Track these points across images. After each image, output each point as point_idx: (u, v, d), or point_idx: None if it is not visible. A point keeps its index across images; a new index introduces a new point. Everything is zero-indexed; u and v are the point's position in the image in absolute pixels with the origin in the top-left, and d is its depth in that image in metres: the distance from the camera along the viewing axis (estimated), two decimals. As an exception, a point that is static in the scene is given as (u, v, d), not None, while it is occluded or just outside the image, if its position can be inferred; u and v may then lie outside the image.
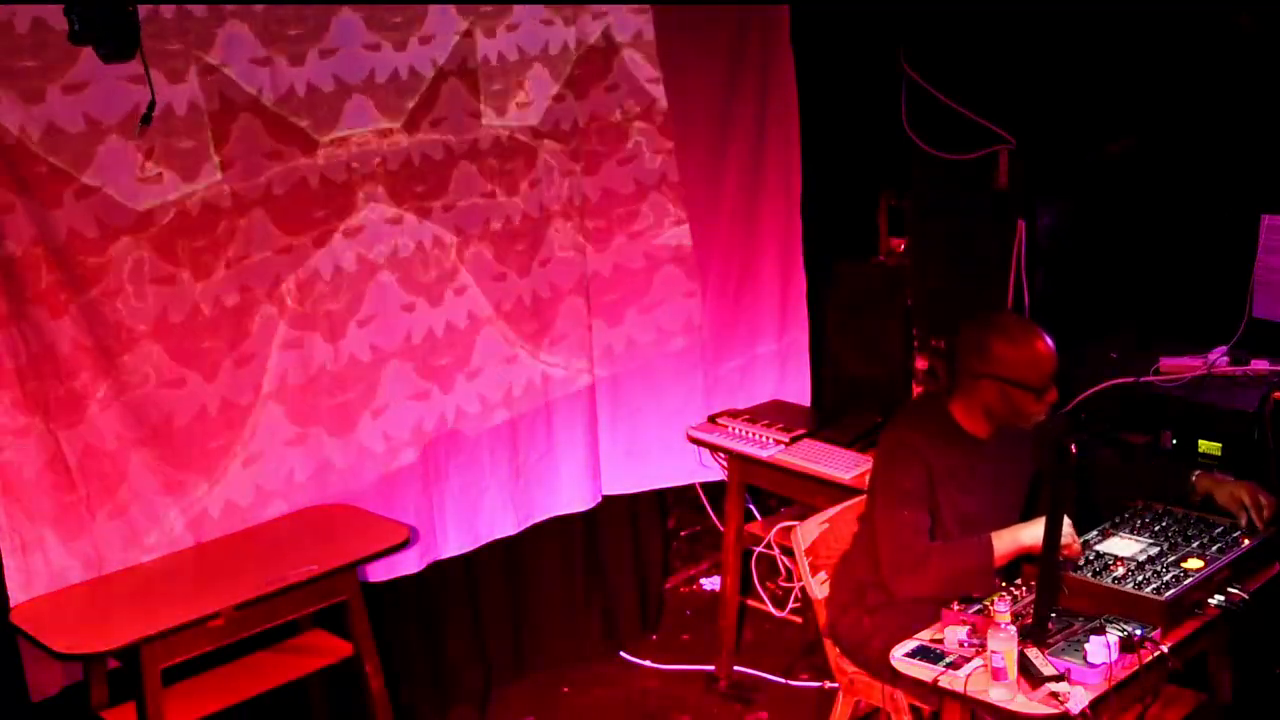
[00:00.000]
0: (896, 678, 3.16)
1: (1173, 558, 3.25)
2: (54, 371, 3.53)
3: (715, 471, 4.71)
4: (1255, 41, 4.23)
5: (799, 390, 5.20)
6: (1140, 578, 3.15)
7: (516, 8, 4.28)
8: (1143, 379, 4.03)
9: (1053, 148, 4.46)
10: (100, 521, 3.64)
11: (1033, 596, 3.13)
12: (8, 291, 3.43)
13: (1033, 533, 3.26)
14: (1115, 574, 3.19)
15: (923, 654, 3.09)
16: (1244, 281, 4.20)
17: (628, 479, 4.87)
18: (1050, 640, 3.03)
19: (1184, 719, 3.45)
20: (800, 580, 3.81)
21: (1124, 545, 3.34)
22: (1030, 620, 3.06)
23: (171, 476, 3.76)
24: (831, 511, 3.82)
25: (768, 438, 4.44)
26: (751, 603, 4.85)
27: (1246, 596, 3.18)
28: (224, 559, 3.76)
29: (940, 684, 2.98)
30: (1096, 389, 4.06)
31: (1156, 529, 3.40)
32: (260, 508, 3.95)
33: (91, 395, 3.60)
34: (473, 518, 4.45)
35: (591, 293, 4.65)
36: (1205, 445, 3.87)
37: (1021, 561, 3.31)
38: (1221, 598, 3.17)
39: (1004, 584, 3.27)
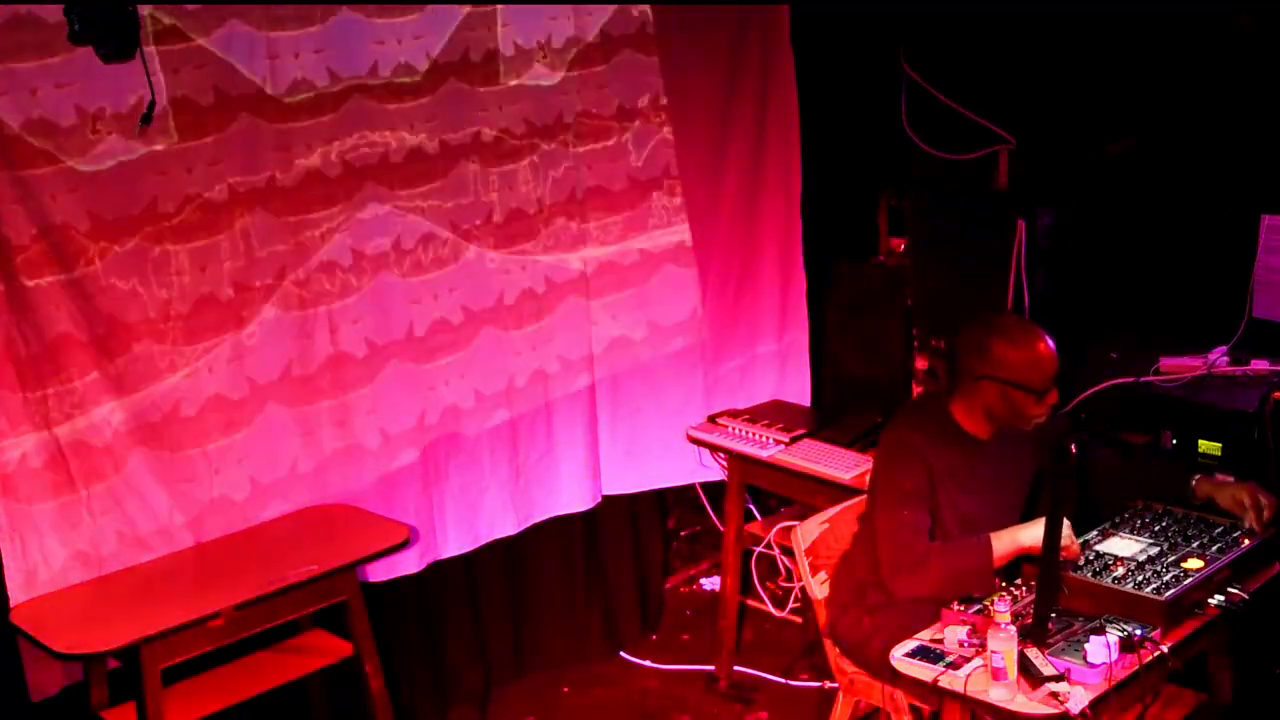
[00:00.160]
0: (896, 678, 3.16)
1: (1173, 558, 3.25)
2: (53, 371, 3.53)
3: (715, 471, 4.71)
4: (1255, 41, 4.23)
5: (799, 390, 5.20)
6: (1140, 578, 3.15)
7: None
8: (1143, 379, 4.03)
9: (1053, 148, 4.47)
10: (100, 521, 3.64)
11: (1033, 596, 3.13)
12: (7, 291, 3.43)
13: (1032, 533, 3.26)
14: (1115, 574, 3.19)
15: (923, 654, 3.09)
16: (1244, 281, 4.20)
17: (628, 479, 4.87)
18: (1050, 640, 3.03)
19: (1184, 719, 3.45)
20: (800, 580, 3.81)
21: (1124, 545, 3.34)
22: (1030, 620, 3.06)
23: (171, 475, 3.76)
24: (831, 511, 3.82)
25: (768, 438, 4.44)
26: (751, 603, 4.85)
27: (1246, 596, 3.18)
28: (224, 559, 3.76)
29: (940, 684, 2.98)
30: (1096, 389, 4.06)
31: (1156, 529, 3.40)
32: (260, 506, 3.95)
33: (91, 394, 3.60)
34: (473, 518, 4.45)
35: (591, 292, 4.64)
36: (1205, 445, 3.87)
37: (1021, 561, 3.31)
38: (1221, 598, 3.17)
39: (1004, 584, 3.27)
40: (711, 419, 4.67)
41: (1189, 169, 4.40)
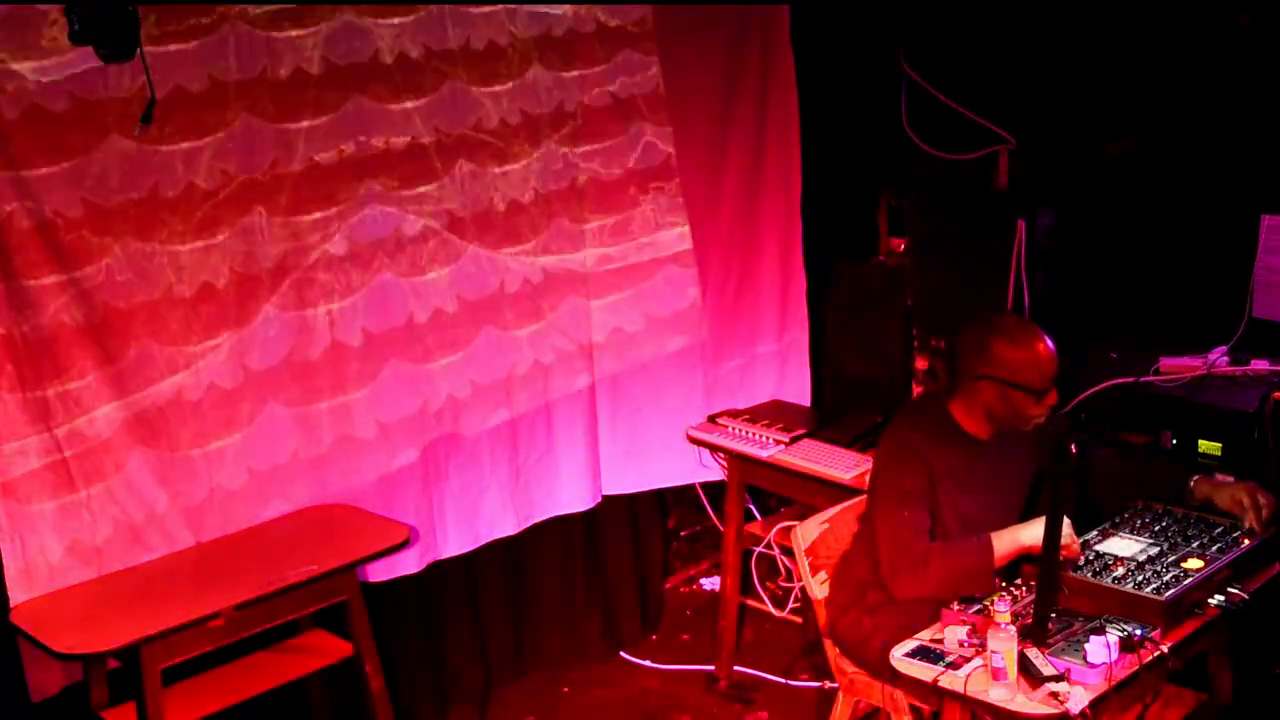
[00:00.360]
0: (896, 678, 3.16)
1: (1173, 558, 3.25)
2: (53, 371, 3.53)
3: (715, 471, 4.71)
4: (1255, 41, 4.23)
5: (799, 390, 5.20)
6: (1140, 578, 3.15)
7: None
8: (1143, 379, 4.03)
9: (1053, 148, 4.47)
10: (100, 521, 3.64)
11: (1033, 596, 3.13)
12: (7, 291, 3.43)
13: (1032, 533, 3.26)
14: (1115, 574, 3.19)
15: (923, 654, 3.09)
16: (1244, 281, 4.20)
17: (628, 479, 4.87)
18: (1050, 640, 3.02)
19: (1184, 719, 3.45)
20: (800, 580, 3.81)
21: (1124, 545, 3.34)
22: (1030, 620, 3.06)
23: (171, 475, 3.76)
24: (831, 511, 3.82)
25: (768, 438, 4.44)
26: (751, 603, 4.85)
27: (1246, 596, 3.18)
28: (224, 559, 3.76)
29: (940, 684, 2.98)
30: (1096, 389, 4.06)
31: (1156, 529, 3.40)
32: (261, 506, 3.95)
33: (91, 395, 3.60)
34: (473, 518, 4.45)
35: (591, 291, 4.65)
36: (1205, 445, 3.87)
37: (1021, 561, 3.31)
38: (1221, 598, 3.16)
39: (1004, 584, 3.27)
40: (711, 419, 4.67)
41: (1189, 169, 4.40)
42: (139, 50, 3.43)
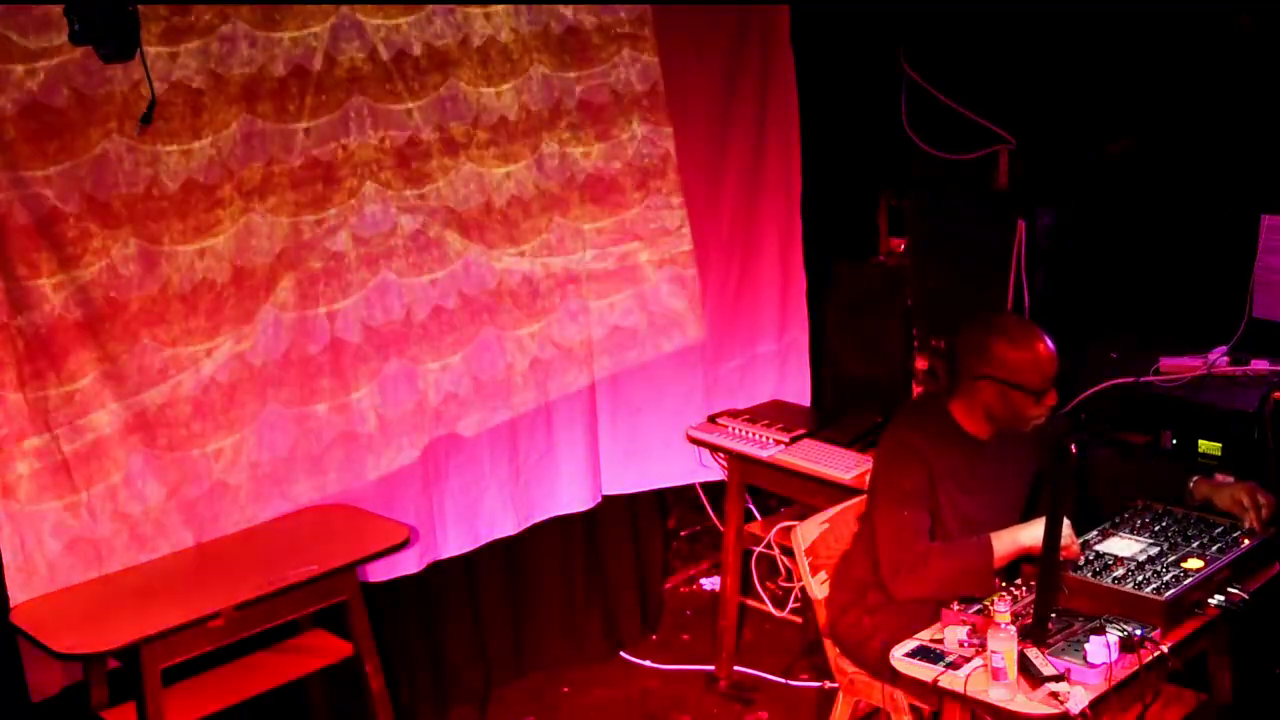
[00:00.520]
0: (896, 678, 3.16)
1: (1173, 558, 3.25)
2: (54, 372, 3.53)
3: (715, 471, 4.71)
4: (1255, 41, 4.23)
5: (799, 390, 5.20)
6: (1140, 578, 3.15)
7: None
8: (1143, 379, 4.03)
9: (1053, 148, 4.47)
10: (100, 521, 3.64)
11: (1033, 596, 3.13)
12: (7, 291, 3.43)
13: (1032, 533, 3.26)
14: (1115, 574, 3.19)
15: (923, 654, 3.09)
16: (1244, 281, 4.20)
17: (628, 479, 4.87)
18: (1050, 640, 3.02)
19: (1184, 719, 3.45)
20: (800, 580, 3.80)
21: (1124, 545, 3.34)
22: (1030, 620, 3.06)
23: (172, 475, 3.76)
24: (831, 511, 3.82)
25: (768, 438, 4.44)
26: (751, 603, 4.85)
27: (1246, 596, 3.18)
28: (224, 559, 3.76)
29: (940, 684, 2.98)
30: (1096, 389, 4.06)
31: (1156, 529, 3.40)
32: (261, 506, 3.95)
33: (91, 395, 3.60)
34: (473, 518, 4.45)
35: (591, 291, 4.65)
36: (1205, 445, 3.87)
37: (1021, 561, 3.31)
38: (1221, 598, 3.16)
39: (1004, 584, 3.27)
40: (711, 419, 4.67)
41: (1189, 169, 4.40)
42: (139, 50, 3.43)
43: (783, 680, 4.66)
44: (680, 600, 5.26)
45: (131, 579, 3.65)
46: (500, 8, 4.27)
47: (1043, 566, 3.08)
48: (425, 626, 4.46)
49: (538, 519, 4.64)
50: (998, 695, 2.91)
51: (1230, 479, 3.52)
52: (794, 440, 4.41)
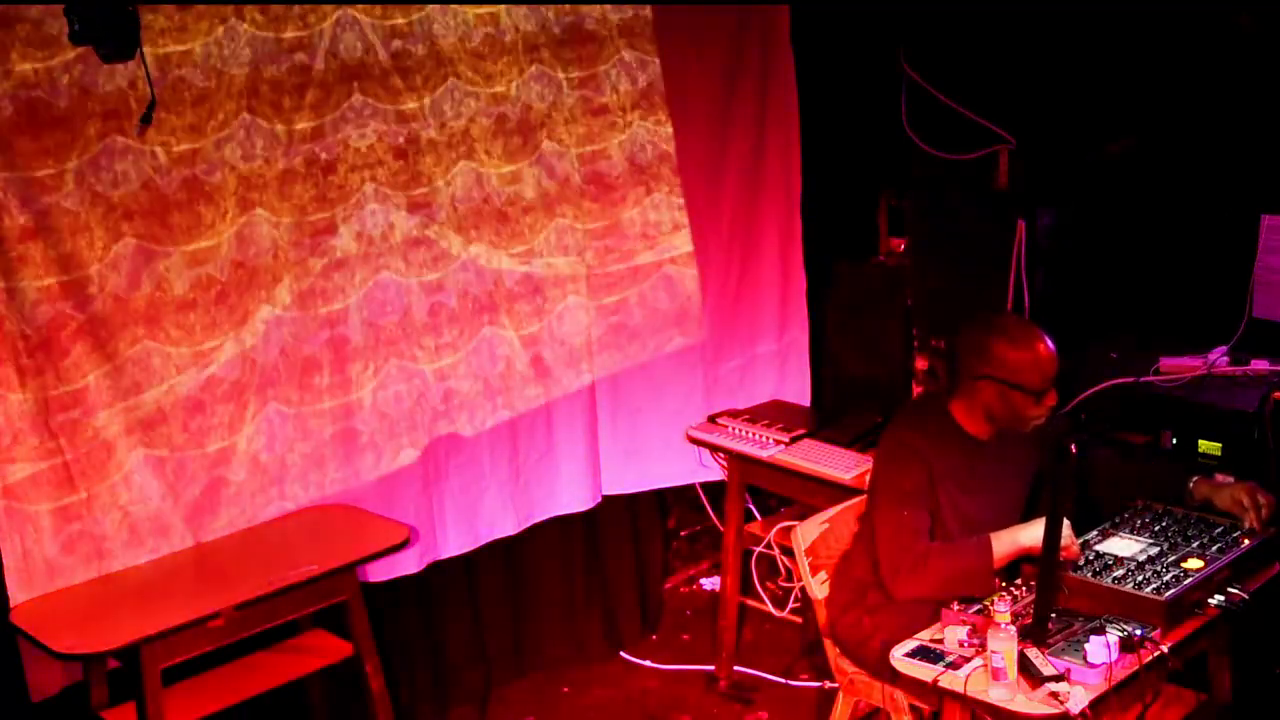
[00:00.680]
0: (896, 678, 3.16)
1: (1173, 558, 3.25)
2: (54, 372, 3.53)
3: (715, 471, 4.71)
4: (1255, 41, 4.23)
5: (799, 390, 5.20)
6: (1140, 578, 3.15)
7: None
8: (1143, 379, 4.03)
9: (1053, 148, 4.46)
10: (100, 522, 3.64)
11: (1033, 596, 3.13)
12: (7, 291, 3.43)
13: (1032, 533, 3.26)
14: (1115, 574, 3.19)
15: (923, 654, 3.09)
16: (1244, 281, 4.20)
17: (628, 479, 4.87)
18: (1050, 640, 3.02)
19: (1184, 719, 3.45)
20: (800, 580, 3.80)
21: (1124, 545, 3.34)
22: (1030, 620, 3.06)
23: (171, 475, 3.76)
24: (831, 511, 3.82)
25: (768, 438, 4.44)
26: (751, 603, 4.85)
27: (1246, 596, 3.18)
28: (224, 559, 3.76)
29: (940, 684, 2.98)
30: (1096, 389, 4.06)
31: (1156, 529, 3.40)
32: (261, 506, 3.95)
33: (91, 395, 3.60)
34: (473, 518, 4.45)
35: (591, 291, 4.65)
36: (1205, 445, 3.87)
37: (1021, 561, 3.31)
38: (1221, 598, 3.16)
39: (1004, 584, 3.27)
40: (711, 419, 4.67)
41: (1189, 169, 4.40)
42: (139, 50, 3.43)
43: (783, 680, 4.66)
44: (680, 600, 5.26)
45: (131, 579, 3.65)
46: (500, 7, 4.27)
47: (1043, 566, 3.08)
48: (425, 626, 4.46)
49: (538, 519, 4.64)
50: (998, 695, 2.91)
51: (1230, 479, 3.52)
52: (794, 440, 4.41)
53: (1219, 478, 3.55)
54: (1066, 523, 3.15)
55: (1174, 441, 3.94)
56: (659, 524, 5.17)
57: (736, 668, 4.71)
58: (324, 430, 4.06)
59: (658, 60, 4.67)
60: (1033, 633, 3.03)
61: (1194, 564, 3.21)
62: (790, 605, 4.82)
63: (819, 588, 3.71)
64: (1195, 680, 3.47)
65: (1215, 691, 3.50)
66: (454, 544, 4.42)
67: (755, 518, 4.79)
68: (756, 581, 4.88)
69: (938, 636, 3.14)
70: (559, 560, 4.81)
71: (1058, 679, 2.90)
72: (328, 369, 4.04)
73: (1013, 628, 2.94)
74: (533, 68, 4.38)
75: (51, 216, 3.49)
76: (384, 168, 4.09)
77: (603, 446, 4.78)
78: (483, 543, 4.50)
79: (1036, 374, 3.32)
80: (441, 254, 4.26)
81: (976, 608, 3.17)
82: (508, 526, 4.54)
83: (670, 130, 4.74)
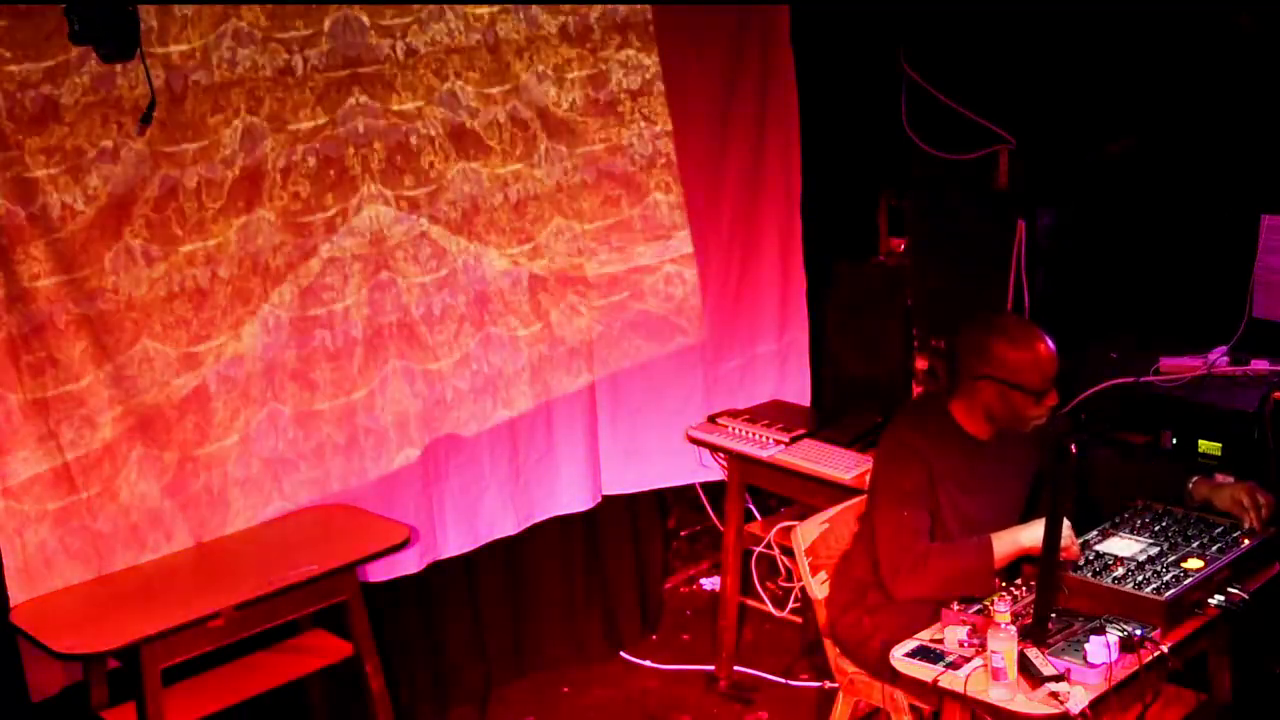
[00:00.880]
0: (896, 678, 3.16)
1: (1173, 558, 3.25)
2: (54, 372, 3.53)
3: (715, 471, 4.71)
4: (1255, 41, 4.23)
5: (799, 390, 5.20)
6: (1140, 578, 3.15)
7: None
8: (1143, 379, 4.03)
9: (1053, 148, 4.46)
10: (100, 522, 3.64)
11: (1033, 596, 3.13)
12: (7, 291, 3.43)
13: (1032, 534, 3.26)
14: (1115, 574, 3.19)
15: (923, 654, 3.09)
16: (1244, 281, 4.20)
17: (628, 479, 4.87)
18: (1050, 640, 3.02)
19: (1184, 719, 3.45)
20: (800, 580, 3.80)
21: (1124, 545, 3.34)
22: (1030, 620, 3.06)
23: (171, 475, 3.76)
24: (831, 511, 3.82)
25: (768, 438, 4.44)
26: (751, 603, 4.85)
27: (1246, 596, 3.18)
28: (224, 559, 3.76)
29: (940, 684, 2.98)
30: (1096, 389, 4.06)
31: (1156, 529, 3.40)
32: (261, 506, 3.95)
33: (91, 395, 3.60)
34: (473, 518, 4.45)
35: (591, 291, 4.65)
36: (1205, 445, 3.87)
37: (1021, 561, 3.31)
38: (1221, 598, 3.16)
39: (1004, 584, 3.27)
40: (711, 419, 4.67)
41: (1189, 169, 4.40)
42: (139, 50, 3.43)
43: (783, 680, 4.66)
44: (680, 600, 5.26)
45: (131, 579, 3.66)
46: (501, 6, 4.27)
47: (1043, 566, 3.08)
48: (425, 626, 4.46)
49: (538, 519, 4.64)
50: (998, 695, 2.91)
51: (1230, 479, 3.52)
52: (794, 440, 4.41)
53: (1219, 478, 3.55)
54: (1066, 523, 3.15)
55: (1174, 441, 3.94)
56: (659, 524, 5.17)
57: (736, 668, 4.71)
58: (324, 430, 4.06)
59: (658, 60, 4.67)
60: (1033, 633, 3.03)
61: (1194, 564, 3.21)
62: (790, 605, 4.82)
63: (819, 588, 3.71)
64: (1195, 680, 3.47)
65: (1215, 691, 3.50)
66: (454, 544, 4.42)
67: (755, 518, 4.79)
68: (756, 581, 4.88)
69: (938, 636, 3.14)
70: (559, 560, 4.81)
71: (1058, 679, 2.90)
72: (328, 369, 4.04)
73: (1013, 628, 2.94)
74: (533, 67, 4.38)
75: (52, 216, 3.49)
76: (384, 167, 4.09)
77: (603, 446, 4.78)
78: (483, 543, 4.50)
79: (1037, 374, 3.32)
80: (442, 254, 4.26)
81: (976, 608, 3.17)
82: (508, 526, 4.54)
83: (670, 130, 4.74)
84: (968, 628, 3.10)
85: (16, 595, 3.52)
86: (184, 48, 3.65)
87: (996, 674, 2.91)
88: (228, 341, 3.84)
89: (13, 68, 3.38)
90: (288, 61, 3.85)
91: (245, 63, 3.76)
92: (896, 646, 3.13)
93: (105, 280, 3.60)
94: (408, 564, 4.22)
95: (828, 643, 3.68)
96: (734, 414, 4.65)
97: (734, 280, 5.05)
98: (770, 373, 5.18)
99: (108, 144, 3.55)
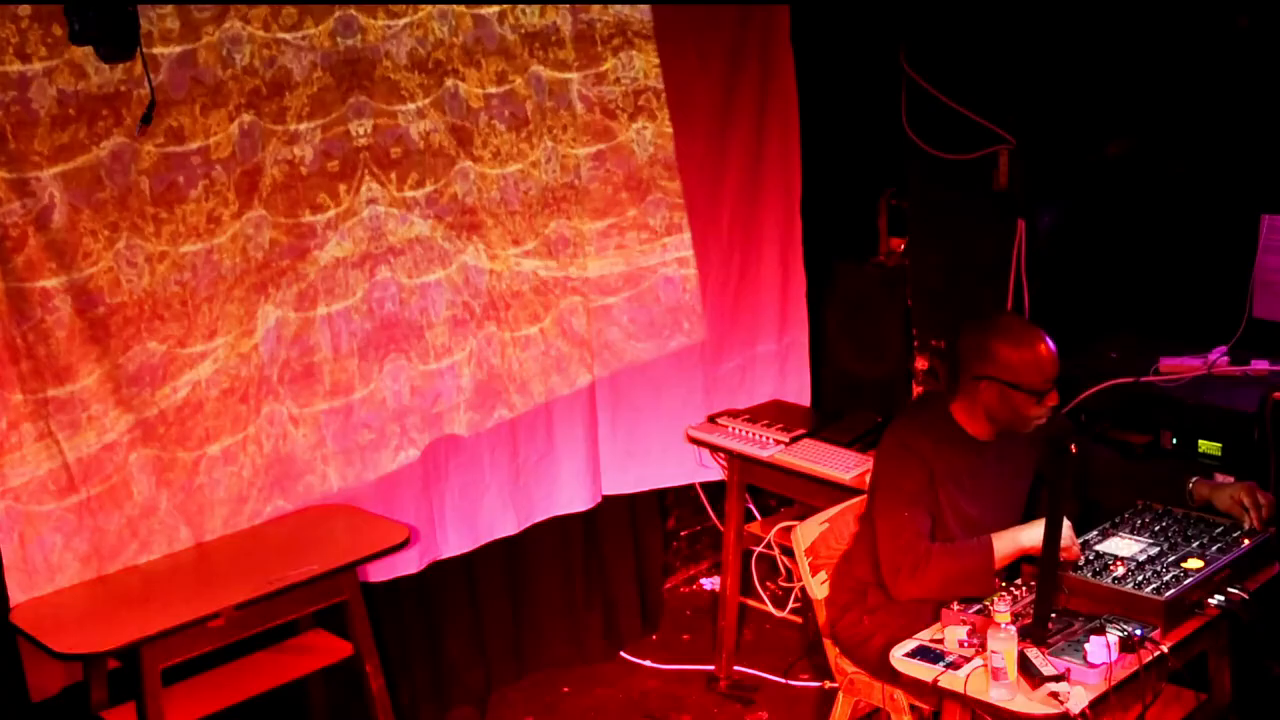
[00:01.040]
0: (896, 678, 3.17)
1: (1173, 558, 3.25)
2: (54, 372, 3.53)
3: (715, 471, 4.71)
4: (1255, 41, 4.23)
5: (799, 390, 5.20)
6: (1140, 578, 3.15)
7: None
8: (1143, 379, 4.03)
9: (1053, 148, 4.47)
10: (101, 522, 3.64)
11: (1033, 596, 3.13)
12: (7, 291, 3.43)
13: (1032, 534, 3.26)
14: (1115, 574, 3.19)
15: (923, 654, 3.09)
16: (1244, 281, 4.20)
17: (628, 479, 4.87)
18: (1050, 640, 3.03)
19: (1184, 719, 3.45)
20: (800, 580, 3.81)
21: (1124, 545, 3.34)
22: (1030, 620, 3.06)
23: (172, 475, 3.76)
24: (831, 511, 3.82)
25: (768, 438, 4.44)
26: (751, 603, 4.85)
27: (1246, 596, 3.18)
28: (224, 559, 3.76)
29: (940, 684, 2.99)
30: (1096, 389, 4.06)
31: (1156, 529, 3.40)
32: (261, 506, 3.95)
33: (91, 396, 3.60)
34: (473, 518, 4.45)
35: (591, 291, 4.65)
36: (1205, 445, 3.87)
37: (1021, 562, 3.31)
38: (1221, 598, 3.16)
39: (1004, 584, 3.27)
40: (711, 419, 4.67)
41: (1189, 169, 4.40)
42: (139, 50, 3.43)
43: (783, 680, 4.66)
44: (680, 600, 5.26)
45: (131, 579, 3.65)
46: (500, 6, 4.27)
47: (1043, 567, 3.08)
48: (425, 626, 4.46)
49: (538, 519, 4.64)
50: (998, 695, 2.91)
51: (1230, 479, 3.52)
52: (794, 440, 4.41)
53: (1219, 478, 3.55)
54: (1067, 523, 3.15)
55: (1174, 441, 3.94)
56: (659, 524, 5.17)
57: (736, 668, 4.71)
58: (324, 430, 4.06)
59: (658, 60, 4.67)
60: (1033, 633, 3.03)
61: (1194, 564, 3.21)
62: (790, 605, 4.82)
63: (819, 588, 3.71)
64: (1195, 680, 3.47)
65: (1215, 691, 3.50)
66: (454, 544, 4.42)
67: (755, 518, 4.79)
68: (756, 581, 4.88)
69: (938, 636, 3.14)
70: (559, 560, 4.81)
71: (1058, 679, 2.90)
72: (328, 369, 4.04)
73: (1013, 628, 2.94)
74: (533, 67, 4.38)
75: (52, 216, 3.48)
76: (384, 167, 4.09)
77: (603, 447, 4.78)
78: (483, 543, 4.50)
79: (1037, 374, 3.32)
80: (442, 254, 4.26)
81: (976, 608, 3.17)
82: (508, 526, 4.54)
83: (670, 130, 4.74)
84: (968, 628, 3.10)
85: (16, 595, 3.52)
86: (184, 48, 3.65)
87: (996, 674, 2.91)
88: (228, 341, 3.84)
89: (11, 67, 3.37)
90: (288, 60, 3.84)
91: (245, 62, 3.76)
92: (896, 646, 3.13)
93: (106, 280, 3.59)
94: (408, 564, 4.22)
95: (828, 643, 3.68)
96: (734, 414, 4.65)
97: (734, 280, 5.04)
98: (770, 373, 5.18)
99: (108, 144, 3.55)
